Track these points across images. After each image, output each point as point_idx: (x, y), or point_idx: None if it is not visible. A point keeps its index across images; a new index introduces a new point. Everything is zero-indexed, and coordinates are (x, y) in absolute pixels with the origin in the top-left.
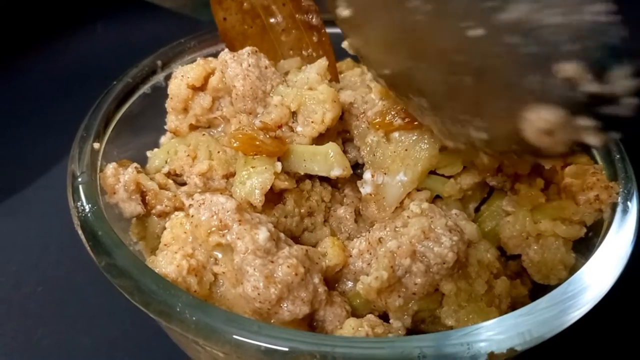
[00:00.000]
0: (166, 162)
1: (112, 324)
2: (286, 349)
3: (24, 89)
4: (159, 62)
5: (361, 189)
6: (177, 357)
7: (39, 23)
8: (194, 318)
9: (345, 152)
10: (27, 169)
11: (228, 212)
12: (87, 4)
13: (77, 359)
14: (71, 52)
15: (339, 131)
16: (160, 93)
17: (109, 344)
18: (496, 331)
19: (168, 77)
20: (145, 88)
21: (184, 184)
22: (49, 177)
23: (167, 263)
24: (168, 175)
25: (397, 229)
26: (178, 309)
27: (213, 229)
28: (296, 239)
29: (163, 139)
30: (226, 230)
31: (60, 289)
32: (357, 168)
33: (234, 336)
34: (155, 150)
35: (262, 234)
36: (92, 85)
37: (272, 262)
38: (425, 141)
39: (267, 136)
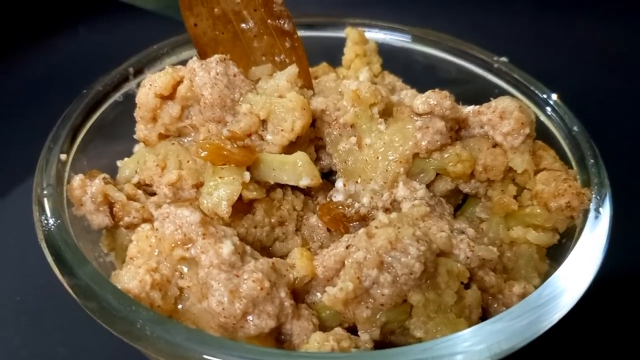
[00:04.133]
0: (136, 172)
1: (90, 335)
2: None
3: (5, 92)
4: (131, 69)
5: (333, 198)
6: None
7: (20, 26)
8: (155, 335)
9: (318, 159)
10: (6, 174)
11: (192, 225)
12: (69, 6)
13: None
14: (53, 54)
15: (312, 138)
16: (133, 101)
17: (87, 355)
18: (469, 343)
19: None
20: (117, 96)
21: (154, 194)
22: (27, 183)
23: (130, 278)
24: (138, 185)
25: (364, 240)
26: (139, 326)
27: (177, 242)
28: (267, 249)
29: (137, 148)
30: (190, 244)
31: (38, 298)
32: (331, 175)
33: (197, 354)
34: (126, 160)
35: (227, 248)
36: (75, 89)
37: (237, 276)
38: (397, 147)
39: (236, 145)
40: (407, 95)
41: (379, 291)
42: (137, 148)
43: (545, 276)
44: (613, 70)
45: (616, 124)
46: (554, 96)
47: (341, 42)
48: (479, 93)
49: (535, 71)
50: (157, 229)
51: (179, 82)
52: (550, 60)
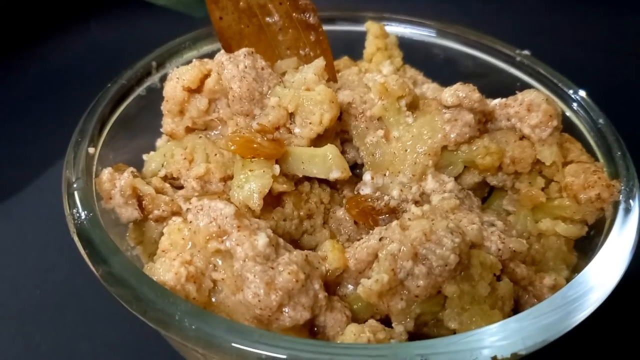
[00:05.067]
0: (162, 165)
1: (112, 328)
2: (286, 357)
3: (17, 88)
4: (154, 63)
5: (360, 191)
6: None
7: (31, 22)
8: (193, 327)
9: (344, 152)
10: (22, 170)
11: (227, 218)
12: (80, 2)
13: None
14: (65, 50)
15: (338, 131)
16: (156, 94)
17: (108, 348)
18: (500, 336)
19: (163, 78)
20: (140, 90)
21: (181, 187)
22: (44, 178)
23: (166, 270)
24: (165, 178)
25: (397, 232)
26: (177, 318)
27: (212, 235)
28: (295, 242)
29: (159, 142)
30: (225, 237)
31: (59, 292)
32: (356, 168)
33: (234, 344)
34: (152, 153)
35: (262, 240)
36: (87, 84)
37: (272, 268)
38: (426, 140)
39: (265, 138)
40: (429, 88)
41: (414, 283)
42: (160, 142)
43: (573, 268)
44: (632, 64)
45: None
46: (582, 92)
47: (360, 36)
48: (500, 86)
49: (554, 65)
50: (190, 222)
51: (207, 76)
52: (567, 54)
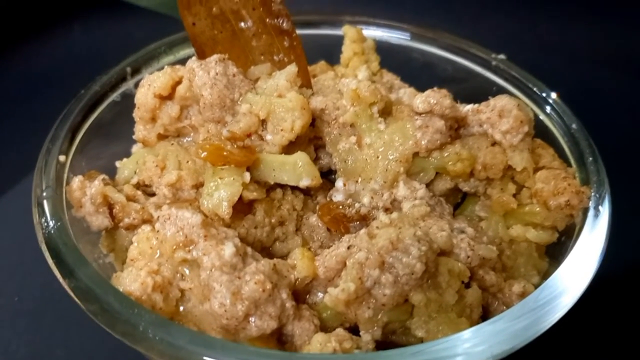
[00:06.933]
0: (135, 172)
1: (89, 336)
2: None
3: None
4: (129, 69)
5: (333, 198)
6: None
7: (14, 23)
8: (157, 337)
9: (317, 158)
10: (1, 175)
11: (193, 227)
12: (63, 4)
13: None
14: (48, 53)
15: (311, 138)
16: (131, 100)
17: (85, 355)
18: (470, 344)
19: (138, 84)
20: (115, 96)
21: (154, 194)
22: (24, 183)
23: (132, 280)
24: (137, 186)
25: (365, 240)
26: (141, 328)
27: (179, 244)
28: (267, 250)
29: (134, 148)
30: (192, 246)
31: (37, 299)
32: (331, 174)
33: (199, 356)
34: (124, 160)
35: (228, 250)
36: (70, 87)
37: (239, 277)
38: (397, 147)
39: (236, 146)
40: (406, 93)
41: (380, 291)
42: (136, 148)
43: (544, 274)
44: (607, 69)
45: (611, 123)
46: (553, 94)
47: (338, 40)
48: (477, 91)
49: (530, 70)
50: (158, 231)
51: (178, 82)
52: (544, 59)
